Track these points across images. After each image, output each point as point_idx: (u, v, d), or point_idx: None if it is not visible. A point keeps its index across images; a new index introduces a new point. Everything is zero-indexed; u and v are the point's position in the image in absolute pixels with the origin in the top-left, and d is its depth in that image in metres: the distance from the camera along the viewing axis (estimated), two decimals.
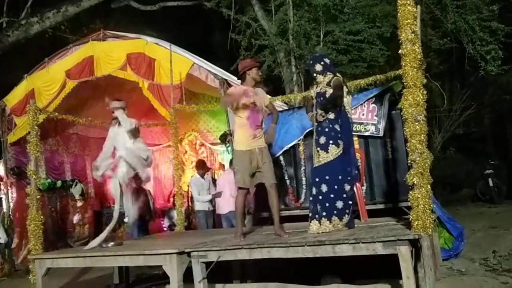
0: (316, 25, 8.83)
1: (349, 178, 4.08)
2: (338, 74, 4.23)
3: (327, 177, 4.05)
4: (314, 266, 4.38)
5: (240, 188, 4.30)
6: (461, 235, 5.60)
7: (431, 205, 3.42)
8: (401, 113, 3.55)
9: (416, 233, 3.26)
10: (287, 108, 6.86)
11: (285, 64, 9.02)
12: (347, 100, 4.27)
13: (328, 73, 4.21)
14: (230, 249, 3.87)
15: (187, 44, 8.54)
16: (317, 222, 4.07)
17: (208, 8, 10.69)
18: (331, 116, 4.12)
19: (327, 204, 4.02)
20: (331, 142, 4.07)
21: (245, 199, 4.39)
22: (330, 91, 4.15)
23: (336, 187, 4.01)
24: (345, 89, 4.24)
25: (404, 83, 3.50)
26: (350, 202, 4.09)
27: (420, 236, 3.25)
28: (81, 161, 11.04)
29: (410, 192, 3.38)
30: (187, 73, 7.42)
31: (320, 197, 4.07)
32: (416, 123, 3.40)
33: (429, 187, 3.42)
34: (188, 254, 4.04)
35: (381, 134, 5.53)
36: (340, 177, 4.02)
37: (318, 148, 4.15)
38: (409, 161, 3.43)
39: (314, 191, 4.15)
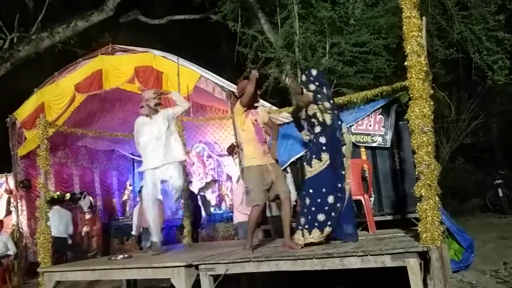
0: (322, 37, 8.88)
1: (335, 191, 4.03)
2: (312, 88, 4.14)
3: (311, 191, 4.09)
4: (323, 278, 4.36)
5: (255, 205, 4.26)
6: (471, 246, 5.53)
7: (440, 217, 3.39)
8: (408, 125, 3.54)
9: (425, 245, 3.24)
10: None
11: (291, 76, 9.06)
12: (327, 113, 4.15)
13: (310, 85, 4.17)
14: (238, 262, 3.86)
15: (194, 57, 8.63)
16: (300, 232, 4.08)
17: (215, 21, 10.81)
18: (317, 129, 4.12)
19: (309, 217, 4.05)
20: (313, 156, 4.09)
21: (260, 215, 4.36)
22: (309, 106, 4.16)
23: (318, 200, 4.02)
24: (326, 105, 4.13)
25: (411, 95, 3.50)
26: (333, 214, 4.03)
27: (429, 248, 3.22)
28: (90, 174, 11.13)
29: (418, 204, 3.36)
30: (195, 85, 7.49)
31: (305, 210, 4.10)
32: (423, 135, 3.39)
33: (437, 198, 3.40)
34: (196, 267, 4.03)
35: (388, 145, 5.53)
36: (324, 190, 4.02)
37: (305, 163, 4.24)
38: (416, 173, 3.42)
39: (300, 203, 4.20)
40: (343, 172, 4.11)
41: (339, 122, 4.24)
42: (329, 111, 4.14)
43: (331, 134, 4.11)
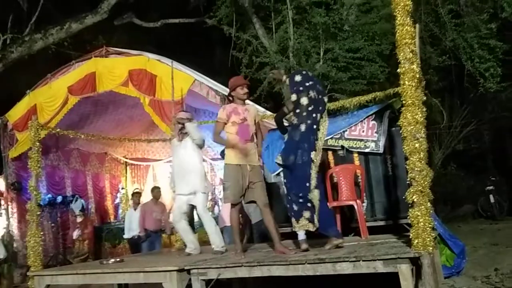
0: (316, 43, 8.91)
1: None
2: (293, 95, 4.11)
3: (284, 180, 4.19)
4: (315, 283, 4.36)
5: (232, 204, 4.30)
6: (463, 252, 5.56)
7: (432, 223, 3.40)
8: (401, 131, 3.56)
9: (417, 251, 3.25)
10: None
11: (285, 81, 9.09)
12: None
13: (292, 92, 4.15)
14: (230, 266, 3.85)
15: (189, 60, 8.62)
16: (294, 220, 4.11)
17: (210, 25, 10.82)
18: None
19: (287, 205, 4.15)
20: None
21: (239, 215, 4.37)
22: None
23: (293, 191, 4.07)
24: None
25: (403, 101, 3.52)
26: (309, 205, 4.02)
27: (421, 254, 3.23)
28: (82, 177, 11.06)
29: (410, 210, 3.37)
30: (189, 89, 7.48)
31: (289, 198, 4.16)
32: (416, 141, 3.41)
33: (429, 204, 3.41)
34: (188, 271, 4.03)
35: (381, 150, 5.55)
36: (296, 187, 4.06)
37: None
38: (408, 179, 3.44)
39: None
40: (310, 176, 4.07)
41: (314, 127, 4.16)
42: (305, 120, 4.12)
43: (302, 137, 4.09)
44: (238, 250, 4.23)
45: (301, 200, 4.03)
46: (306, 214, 4.03)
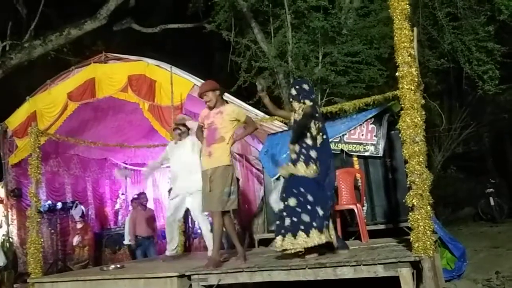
0: (315, 47, 8.93)
1: (323, 203, 3.87)
2: (307, 102, 4.07)
3: (294, 191, 3.87)
4: (316, 286, 4.35)
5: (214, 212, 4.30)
6: (464, 255, 5.56)
7: (432, 226, 3.41)
8: (400, 134, 3.57)
9: (417, 255, 3.25)
10: (286, 129, 6.89)
11: (284, 85, 9.10)
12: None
13: (302, 99, 4.09)
14: (230, 272, 3.85)
15: (188, 65, 8.63)
16: (281, 237, 3.87)
17: (209, 30, 10.84)
18: (309, 142, 3.97)
19: (294, 219, 3.81)
20: (301, 159, 3.93)
21: (223, 220, 4.27)
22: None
23: (302, 201, 3.81)
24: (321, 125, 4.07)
25: (402, 105, 3.53)
26: (322, 219, 3.81)
27: (421, 258, 3.23)
28: (82, 183, 11.04)
29: (410, 214, 3.38)
30: (188, 94, 7.49)
31: (286, 213, 3.88)
32: (415, 144, 3.42)
33: (429, 208, 3.42)
34: (189, 277, 4.02)
35: (380, 154, 5.57)
36: (311, 198, 3.82)
37: (289, 162, 4.06)
38: (408, 182, 3.44)
39: (281, 205, 3.98)
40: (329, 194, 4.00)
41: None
42: (321, 132, 4.05)
43: (322, 154, 4.01)
44: (239, 254, 4.22)
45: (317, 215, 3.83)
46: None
